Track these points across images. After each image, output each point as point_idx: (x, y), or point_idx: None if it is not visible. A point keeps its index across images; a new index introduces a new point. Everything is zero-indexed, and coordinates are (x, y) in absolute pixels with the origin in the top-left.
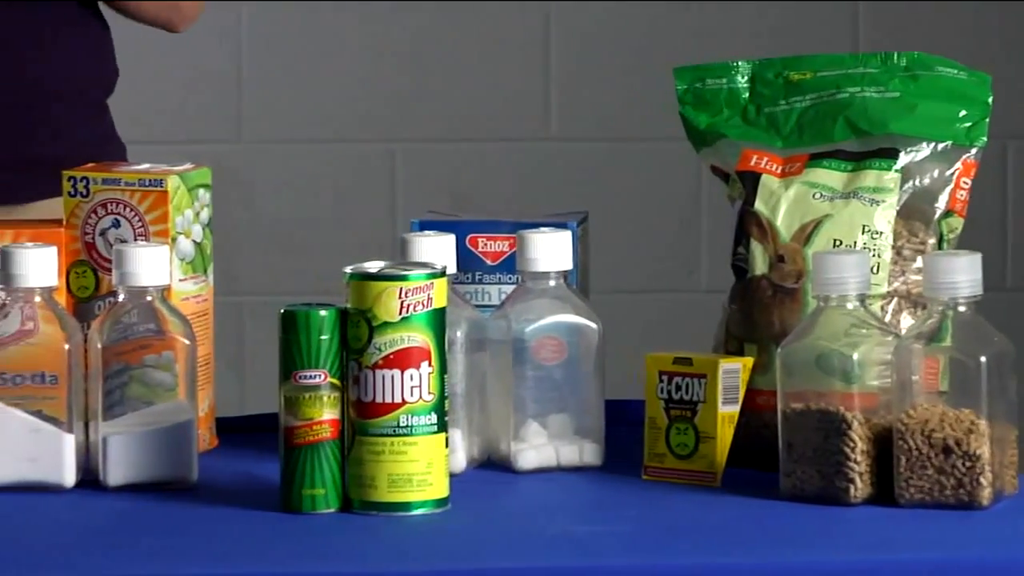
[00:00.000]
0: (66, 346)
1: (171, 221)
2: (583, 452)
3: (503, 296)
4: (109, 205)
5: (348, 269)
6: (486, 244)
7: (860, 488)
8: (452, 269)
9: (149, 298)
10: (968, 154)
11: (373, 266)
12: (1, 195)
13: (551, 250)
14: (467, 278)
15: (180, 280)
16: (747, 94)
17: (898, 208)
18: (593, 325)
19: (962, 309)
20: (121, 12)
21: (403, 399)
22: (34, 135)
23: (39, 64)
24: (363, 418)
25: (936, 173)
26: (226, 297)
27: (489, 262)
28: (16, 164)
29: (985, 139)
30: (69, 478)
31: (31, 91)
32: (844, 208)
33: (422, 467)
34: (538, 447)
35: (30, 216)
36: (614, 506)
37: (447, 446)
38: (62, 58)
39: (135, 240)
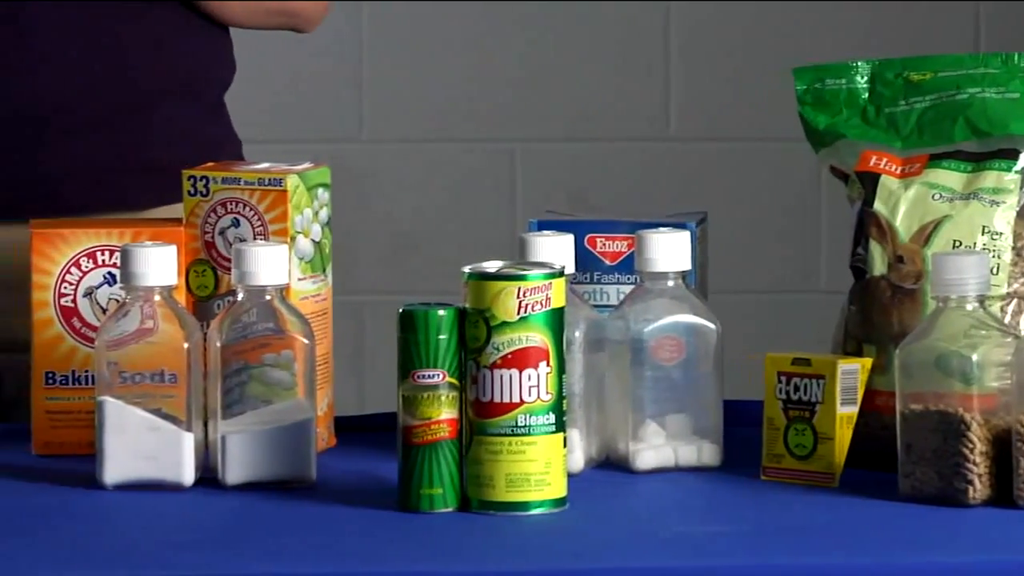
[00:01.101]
0: (185, 345)
1: (290, 220)
2: (701, 452)
3: (621, 296)
4: (229, 204)
5: (467, 269)
6: (605, 244)
7: (979, 489)
8: (570, 269)
9: (268, 297)
10: None
11: (492, 266)
12: (120, 200)
13: (670, 250)
14: (585, 278)
15: (299, 279)
16: (867, 94)
17: (1018, 209)
18: (711, 325)
19: None
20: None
21: (521, 399)
22: (149, 138)
23: (152, 66)
24: (481, 418)
25: None
26: (345, 296)
27: (608, 262)
28: (133, 169)
29: None
30: (188, 477)
31: (145, 94)
32: (964, 209)
33: (540, 467)
34: (656, 447)
35: None
36: (732, 507)
37: (565, 446)
38: (175, 59)
39: (254, 239)
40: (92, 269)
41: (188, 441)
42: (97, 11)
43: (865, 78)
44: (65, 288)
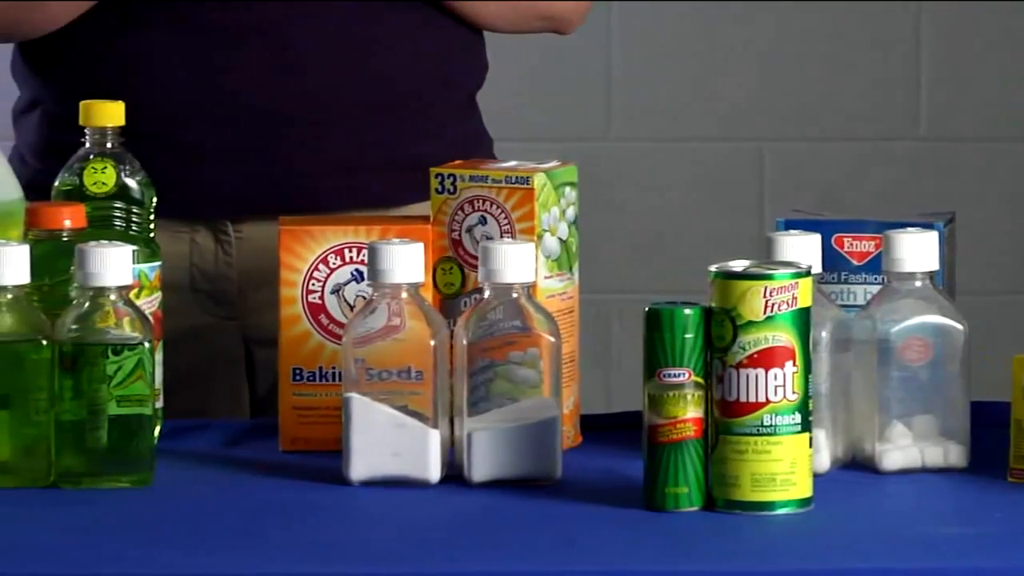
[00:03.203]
0: (432, 342)
1: (537, 218)
2: (948, 453)
3: (868, 296)
4: (476, 202)
5: (713, 268)
6: (852, 244)
7: None
8: (817, 269)
9: (515, 295)
10: None
11: (738, 265)
12: (374, 198)
13: (918, 250)
14: (832, 278)
15: (545, 277)
16: None
17: None
18: (959, 326)
19: None
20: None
21: (767, 398)
22: (403, 136)
23: (406, 65)
24: (727, 417)
25: None
26: (592, 295)
27: (855, 262)
28: (387, 167)
29: None
30: (434, 473)
31: (399, 93)
32: None
33: (786, 467)
34: (903, 448)
35: None
36: (978, 508)
37: (811, 446)
38: (428, 58)
39: (501, 237)
40: (340, 266)
41: (434, 438)
42: (350, 11)
43: None
44: (313, 285)
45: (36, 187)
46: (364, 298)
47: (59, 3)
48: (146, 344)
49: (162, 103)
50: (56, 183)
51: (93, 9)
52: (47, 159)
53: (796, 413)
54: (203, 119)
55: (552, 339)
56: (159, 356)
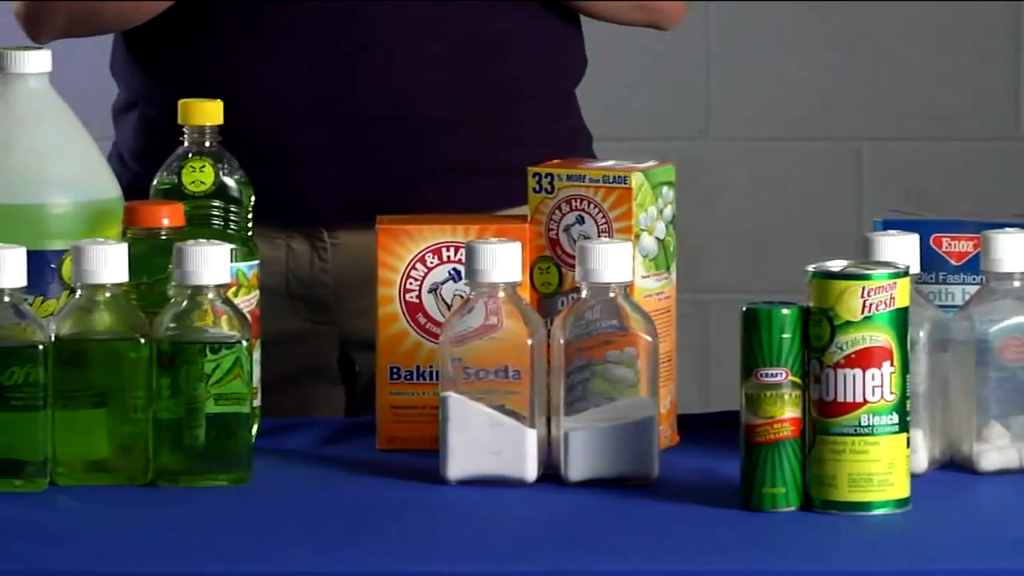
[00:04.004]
0: (529, 341)
1: (635, 218)
2: None
3: (967, 296)
4: (573, 201)
5: (811, 267)
6: (950, 244)
7: None
8: (915, 269)
9: (612, 295)
10: None
11: (836, 265)
12: (470, 203)
13: (1016, 250)
14: (930, 278)
15: (643, 277)
16: None
17: None
18: None
19: None
20: (585, 13)
21: (864, 399)
22: (500, 140)
23: (505, 63)
24: (824, 417)
25: None
26: (690, 294)
27: (953, 262)
28: (483, 171)
29: None
30: (531, 473)
31: (501, 90)
32: None
33: (883, 467)
34: (1001, 448)
35: None
36: None
37: (908, 446)
38: (530, 54)
39: (599, 236)
40: (437, 265)
41: (531, 437)
42: (447, 15)
43: None
44: (410, 284)
45: (134, 190)
46: (462, 297)
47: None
48: (244, 342)
49: (259, 109)
50: (154, 182)
51: (193, 13)
52: (144, 162)
53: (894, 413)
54: (298, 126)
55: (649, 338)
56: (256, 355)
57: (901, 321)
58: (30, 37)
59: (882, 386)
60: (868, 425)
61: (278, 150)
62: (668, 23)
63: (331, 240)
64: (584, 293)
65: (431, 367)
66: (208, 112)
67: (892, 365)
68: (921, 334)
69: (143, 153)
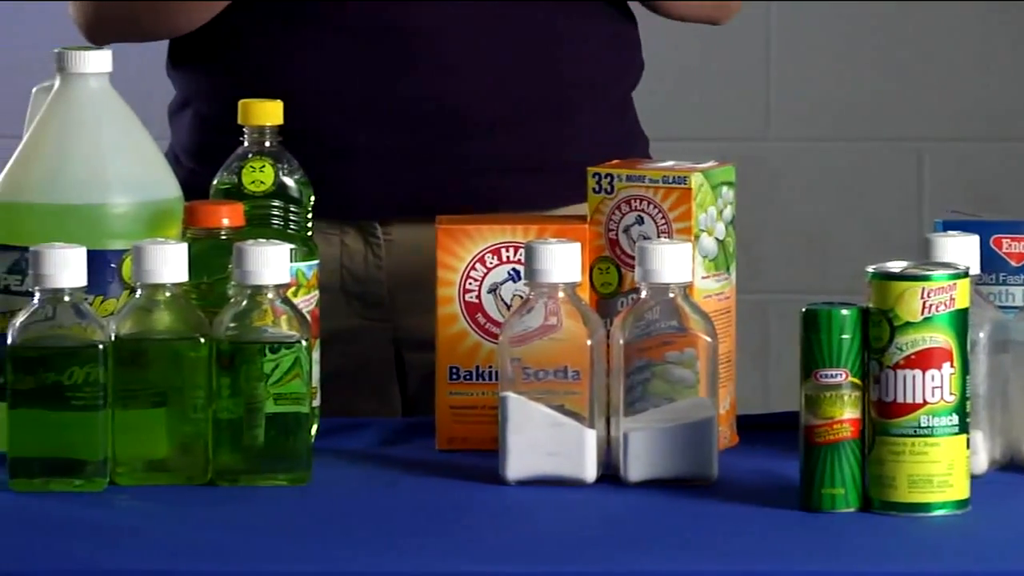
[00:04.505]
0: (589, 342)
1: (694, 219)
2: None
3: None
4: (633, 202)
5: (870, 268)
6: (1010, 245)
7: None
8: (975, 270)
9: (672, 295)
10: None
11: (896, 266)
12: (526, 200)
13: None
14: (991, 279)
15: (702, 277)
16: None
17: None
18: None
19: None
20: (657, 12)
21: (924, 400)
22: (557, 138)
23: (564, 63)
24: (883, 418)
25: None
26: (750, 295)
27: (1013, 263)
28: (540, 168)
29: None
30: (590, 473)
31: (559, 90)
32: None
33: (943, 468)
34: None
35: None
36: None
37: (968, 447)
38: (588, 55)
39: (658, 237)
40: (497, 265)
41: (591, 438)
42: (507, 13)
43: None
44: (470, 284)
45: (190, 188)
46: (521, 297)
47: (195, 3)
48: (303, 342)
49: (313, 105)
50: (214, 182)
51: (247, 9)
52: (200, 160)
53: (953, 414)
54: (353, 120)
55: (709, 339)
56: (316, 354)
57: (961, 322)
58: (90, 40)
59: (942, 387)
60: (928, 426)
61: (332, 145)
62: (726, 18)
63: (384, 236)
64: (644, 294)
65: (490, 367)
66: (268, 112)
67: (952, 366)
68: (981, 335)
69: (197, 150)
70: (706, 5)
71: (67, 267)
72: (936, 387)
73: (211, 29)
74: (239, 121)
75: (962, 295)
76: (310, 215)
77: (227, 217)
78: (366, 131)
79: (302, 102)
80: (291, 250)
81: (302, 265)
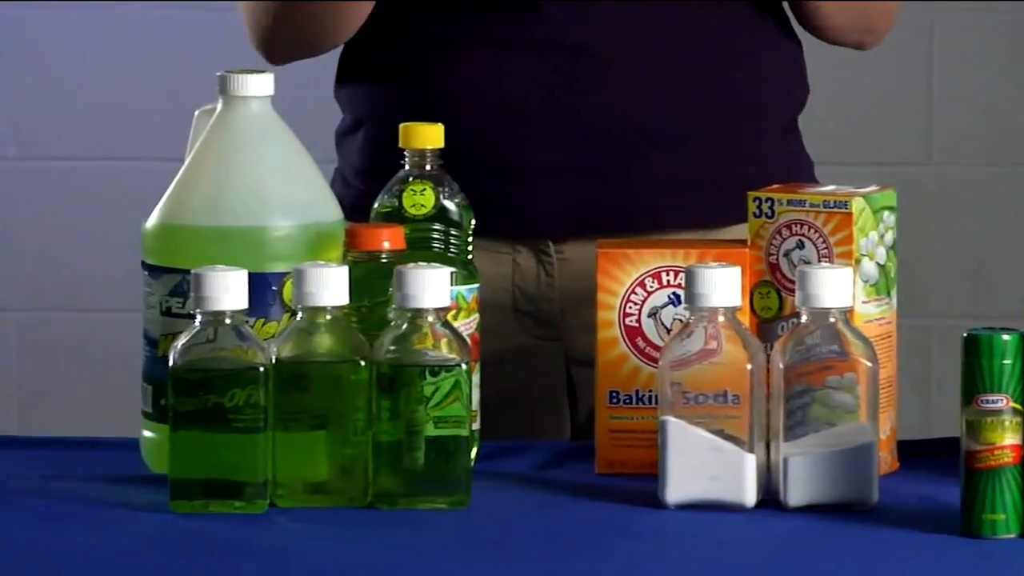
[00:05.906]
0: (749, 366)
1: (855, 243)
2: None
3: None
4: (794, 226)
5: None
6: None
7: None
8: None
9: (832, 320)
10: None
11: None
12: (695, 218)
13: None
14: None
15: (863, 302)
16: None
17: None
18: None
19: None
20: (815, 34)
21: None
22: (728, 157)
23: (735, 85)
24: None
25: None
26: (912, 320)
27: None
28: (708, 187)
29: None
30: (750, 498)
31: (727, 113)
32: None
33: None
34: None
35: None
36: None
37: None
38: (755, 78)
39: (819, 261)
40: (657, 289)
41: (750, 462)
42: (682, 33)
43: None
44: (630, 308)
45: (360, 208)
46: (681, 321)
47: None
48: (463, 366)
49: (487, 123)
50: (375, 205)
51: (416, 28)
52: (369, 180)
53: None
54: (526, 138)
55: (869, 364)
56: (476, 378)
57: None
58: (267, 58)
59: None
60: None
61: (504, 163)
62: (874, 43)
63: (557, 255)
64: (804, 318)
65: (650, 392)
66: (429, 136)
67: None
68: None
69: (367, 170)
70: (854, 6)
71: (228, 290)
72: None
73: (383, 47)
74: (400, 144)
75: None
76: (471, 238)
77: (388, 240)
78: (542, 149)
79: (476, 119)
80: (451, 273)
81: (462, 288)
